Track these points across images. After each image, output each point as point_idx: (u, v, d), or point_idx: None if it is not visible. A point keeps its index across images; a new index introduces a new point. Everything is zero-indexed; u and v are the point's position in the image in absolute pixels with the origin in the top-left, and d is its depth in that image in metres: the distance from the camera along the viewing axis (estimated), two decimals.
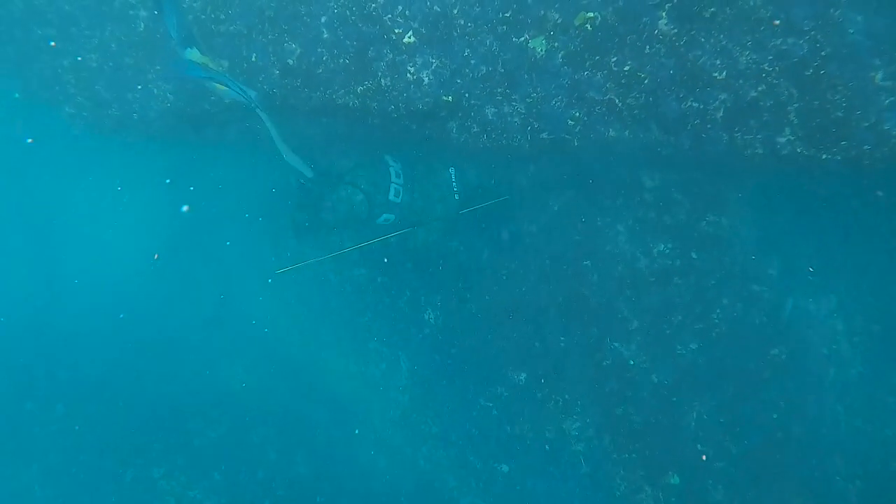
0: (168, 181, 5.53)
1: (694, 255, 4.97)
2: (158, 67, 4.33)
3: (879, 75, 3.54)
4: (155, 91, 4.48)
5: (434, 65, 4.10)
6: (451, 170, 4.75)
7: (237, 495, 5.54)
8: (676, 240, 4.97)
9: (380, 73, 4.09)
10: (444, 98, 4.21)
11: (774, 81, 3.59)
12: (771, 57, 3.55)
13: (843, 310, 4.92)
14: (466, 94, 4.20)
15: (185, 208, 6.11)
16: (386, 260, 5.84)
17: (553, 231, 5.29)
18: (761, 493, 4.54)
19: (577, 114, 4.03)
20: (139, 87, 4.46)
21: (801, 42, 3.50)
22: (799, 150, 3.72)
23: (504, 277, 5.26)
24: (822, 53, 3.49)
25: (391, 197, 4.48)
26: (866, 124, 3.55)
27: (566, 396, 4.96)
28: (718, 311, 4.90)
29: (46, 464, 5.76)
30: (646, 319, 4.92)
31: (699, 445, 4.67)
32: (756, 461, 4.57)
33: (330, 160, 4.63)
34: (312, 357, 6.65)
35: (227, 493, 5.52)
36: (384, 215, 4.57)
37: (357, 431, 5.91)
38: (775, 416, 4.61)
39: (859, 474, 4.55)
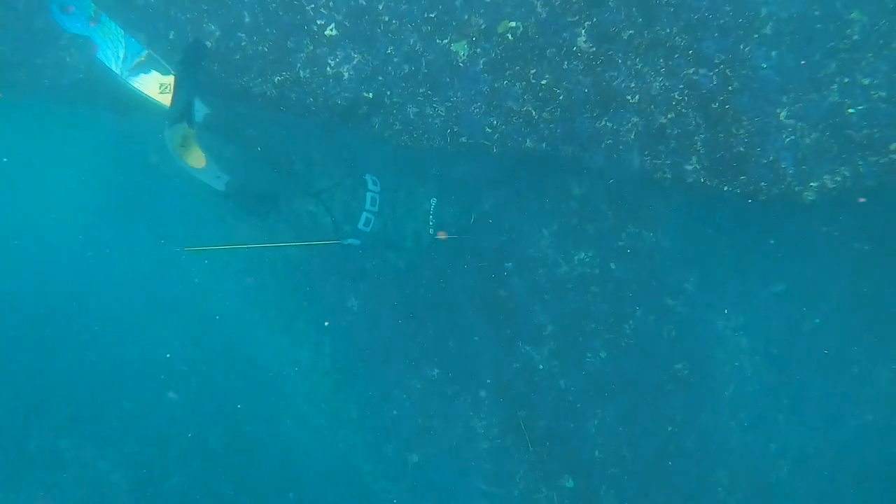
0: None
1: (613, 266, 5.06)
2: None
3: (784, 113, 3.61)
4: (68, 59, 4.31)
5: (356, 60, 4.03)
6: (433, 200, 4.50)
7: (148, 468, 5.55)
8: (597, 248, 5.04)
9: (298, 65, 4.01)
10: (365, 94, 4.16)
11: (684, 110, 3.63)
12: (682, 86, 3.59)
13: (749, 328, 5.08)
14: (388, 92, 4.15)
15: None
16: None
17: (480, 229, 5.31)
18: (650, 500, 4.73)
19: (495, 122, 4.02)
20: (50, 53, 4.29)
21: (711, 74, 3.54)
22: (703, 180, 3.79)
23: (426, 272, 5.28)
24: (730, 87, 3.54)
25: (360, 226, 4.30)
26: (765, 161, 3.63)
27: (475, 395, 5.05)
28: (631, 322, 5.01)
29: None
30: (560, 325, 5.01)
31: (597, 452, 4.82)
32: (648, 470, 4.75)
33: (310, 175, 4.31)
34: (241, 332, 6.61)
35: (138, 466, 5.53)
36: (350, 239, 4.38)
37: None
38: (670, 428, 4.78)
39: (741, 487, 4.76)
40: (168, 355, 6.44)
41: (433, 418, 5.23)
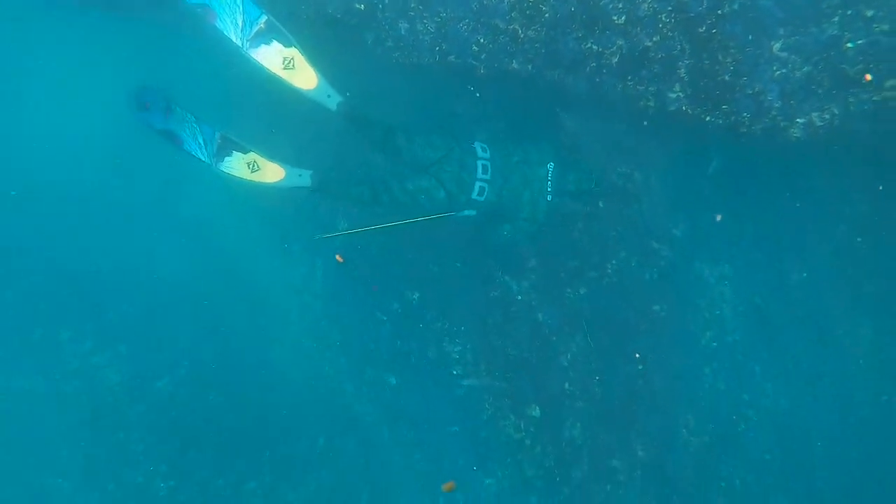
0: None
1: (601, 205, 5.02)
2: None
3: (778, 45, 3.50)
4: None
5: None
6: (550, 165, 4.33)
7: (139, 369, 5.79)
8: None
9: None
10: (357, 6, 4.14)
11: (670, 34, 3.54)
12: (670, 7, 3.49)
13: (734, 278, 5.02)
14: (380, 6, 4.13)
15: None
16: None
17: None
18: (612, 436, 4.78)
19: (482, 40, 3.97)
20: None
21: None
22: (684, 109, 3.71)
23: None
24: (720, 12, 3.42)
25: (475, 196, 4.21)
26: (750, 92, 3.53)
27: (452, 320, 5.12)
28: (614, 262, 4.99)
29: None
30: (543, 260, 5.01)
31: (567, 385, 4.87)
32: (614, 406, 4.79)
33: (415, 148, 4.26)
34: (240, 252, 6.77)
35: (130, 365, 5.78)
36: (466, 211, 4.31)
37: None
38: (641, 367, 4.79)
39: (707, 431, 4.77)
40: (169, 266, 6.61)
41: (411, 341, 5.33)
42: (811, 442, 4.81)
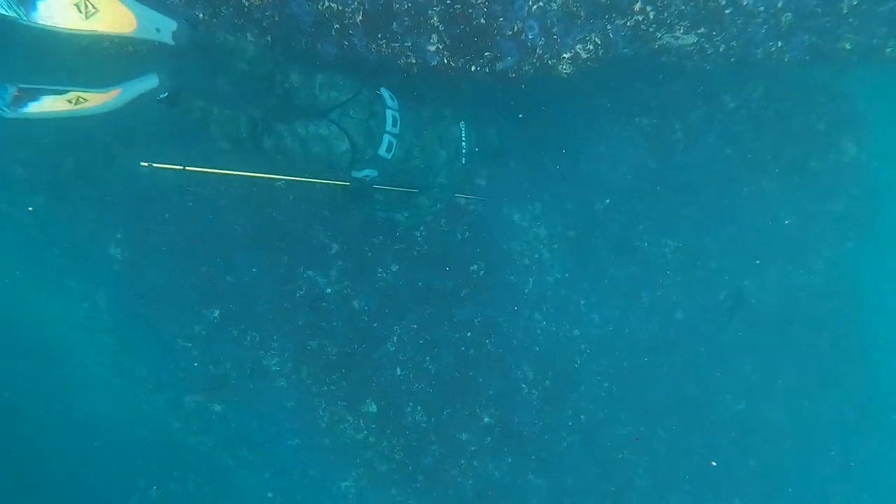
0: None
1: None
2: None
3: None
4: None
5: None
6: (462, 125, 3.70)
7: None
8: None
9: None
10: None
11: None
12: None
13: (545, 217, 4.92)
14: None
15: None
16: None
17: None
18: (456, 410, 4.59)
19: (202, 15, 3.28)
20: None
21: None
22: (447, 62, 3.34)
23: (189, 203, 4.57)
24: None
25: (382, 152, 3.40)
26: (510, 32, 3.22)
27: (262, 331, 4.56)
28: (422, 228, 4.66)
29: None
30: (345, 243, 4.56)
31: (399, 370, 4.56)
32: (451, 380, 4.58)
33: (314, 87, 3.27)
34: (5, 303, 5.63)
35: None
36: (366, 171, 3.46)
37: None
38: (469, 333, 4.59)
39: (547, 377, 4.74)
40: None
41: (225, 363, 4.71)
42: (639, 359, 4.96)
